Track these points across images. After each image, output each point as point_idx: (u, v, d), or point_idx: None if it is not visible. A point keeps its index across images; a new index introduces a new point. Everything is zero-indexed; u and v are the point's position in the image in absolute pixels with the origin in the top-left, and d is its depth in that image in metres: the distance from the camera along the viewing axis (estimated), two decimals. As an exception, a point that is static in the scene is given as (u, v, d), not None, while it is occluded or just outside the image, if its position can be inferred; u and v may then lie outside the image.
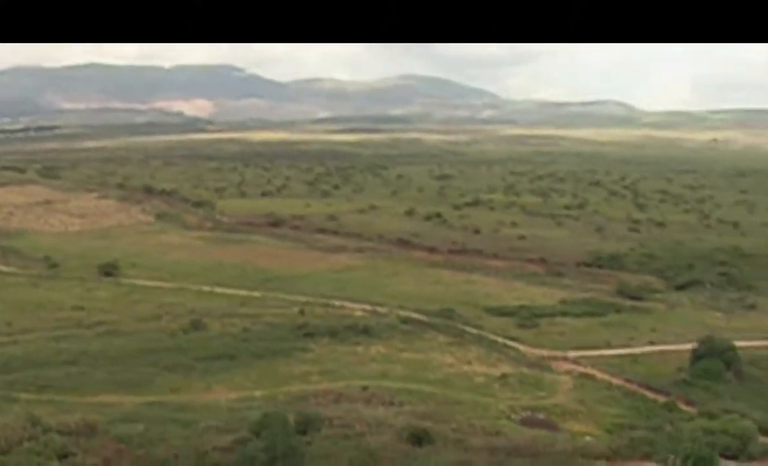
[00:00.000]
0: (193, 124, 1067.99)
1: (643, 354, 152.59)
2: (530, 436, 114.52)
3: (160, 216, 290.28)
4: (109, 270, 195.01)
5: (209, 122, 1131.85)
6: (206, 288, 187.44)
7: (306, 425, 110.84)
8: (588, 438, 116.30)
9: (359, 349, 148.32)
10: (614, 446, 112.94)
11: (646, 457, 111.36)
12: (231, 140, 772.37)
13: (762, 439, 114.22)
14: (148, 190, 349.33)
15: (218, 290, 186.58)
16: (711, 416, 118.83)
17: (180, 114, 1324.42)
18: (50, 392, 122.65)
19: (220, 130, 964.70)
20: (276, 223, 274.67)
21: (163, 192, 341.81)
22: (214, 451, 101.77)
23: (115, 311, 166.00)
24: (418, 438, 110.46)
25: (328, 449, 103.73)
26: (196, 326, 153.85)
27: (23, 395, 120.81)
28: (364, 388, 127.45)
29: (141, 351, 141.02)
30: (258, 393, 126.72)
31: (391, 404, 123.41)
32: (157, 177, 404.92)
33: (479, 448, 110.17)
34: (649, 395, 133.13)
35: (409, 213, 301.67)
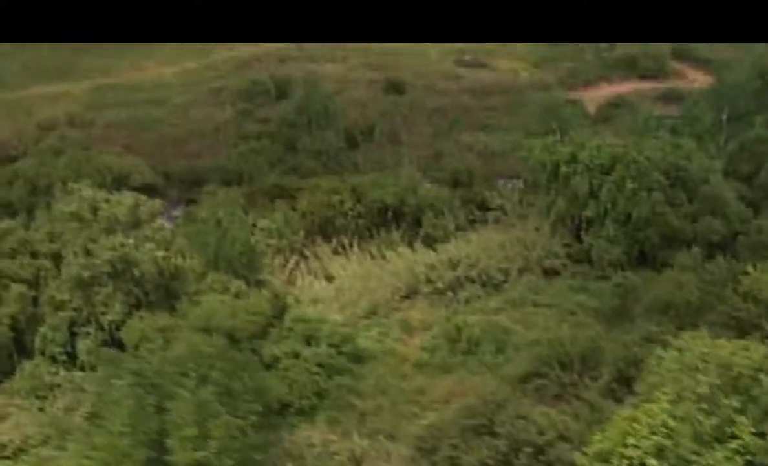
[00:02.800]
0: None
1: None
2: (481, 76, 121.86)
3: None
4: None
5: None
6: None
7: (283, 88, 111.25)
8: (524, 73, 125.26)
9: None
10: (556, 77, 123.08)
11: (587, 84, 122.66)
12: None
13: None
14: None
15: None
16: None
17: None
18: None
19: None
20: None
21: None
22: (233, 122, 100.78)
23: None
24: (395, 87, 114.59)
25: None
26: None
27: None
28: (300, 48, 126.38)
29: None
30: (192, 64, 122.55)
31: (332, 61, 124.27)
32: None
33: (453, 91, 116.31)
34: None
35: None
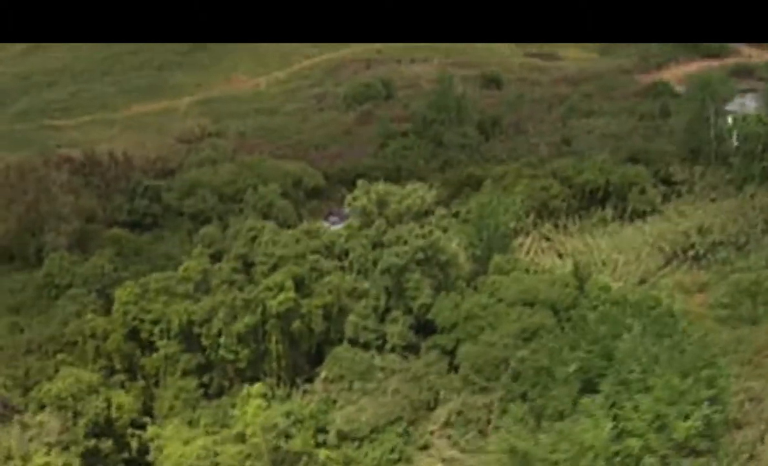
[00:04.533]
0: None
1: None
2: (563, 65, 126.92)
3: None
4: None
5: None
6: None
7: (387, 90, 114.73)
8: (599, 62, 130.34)
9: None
10: (631, 62, 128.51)
11: (660, 66, 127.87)
12: None
13: None
14: None
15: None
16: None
17: None
18: (80, 113, 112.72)
19: None
20: None
21: None
22: (359, 124, 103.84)
23: None
24: (493, 82, 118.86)
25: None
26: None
27: (58, 122, 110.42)
28: (379, 50, 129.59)
29: (103, 60, 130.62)
30: (279, 74, 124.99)
31: (414, 61, 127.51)
32: None
33: (545, 81, 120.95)
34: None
35: None
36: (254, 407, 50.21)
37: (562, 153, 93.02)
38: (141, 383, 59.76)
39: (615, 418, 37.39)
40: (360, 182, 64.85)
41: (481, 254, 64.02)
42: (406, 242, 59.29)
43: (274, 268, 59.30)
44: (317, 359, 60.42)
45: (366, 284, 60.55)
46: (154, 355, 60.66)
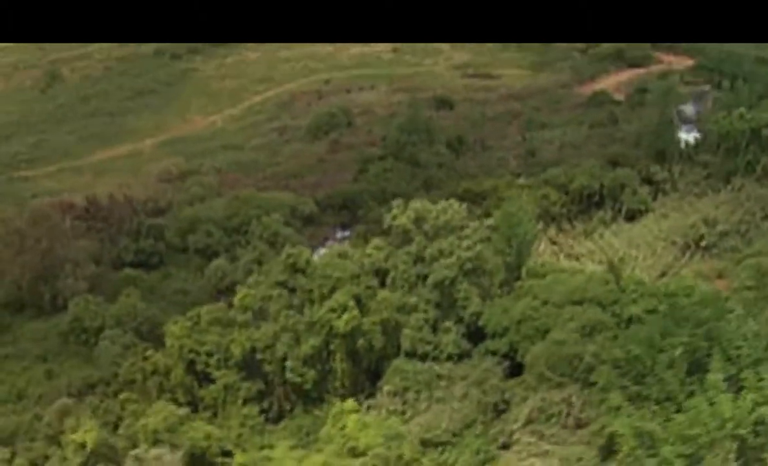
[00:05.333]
0: None
1: None
2: (507, 83, 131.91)
3: None
4: None
5: None
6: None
7: (348, 118, 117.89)
8: (539, 78, 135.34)
9: (251, 54, 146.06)
10: (567, 76, 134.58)
11: (593, 77, 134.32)
12: None
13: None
14: None
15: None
16: None
17: None
18: (45, 163, 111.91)
19: None
20: None
21: None
22: (331, 152, 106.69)
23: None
24: (445, 103, 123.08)
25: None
26: (54, 76, 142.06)
27: (26, 173, 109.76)
28: (327, 81, 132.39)
29: (55, 110, 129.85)
30: (233, 111, 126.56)
31: (362, 89, 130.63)
32: None
33: (493, 99, 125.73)
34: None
35: None
36: (353, 421, 52.49)
37: (530, 164, 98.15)
38: (205, 414, 61.18)
39: (740, 390, 41.38)
40: (395, 201, 67.43)
41: (512, 261, 67.50)
42: (452, 254, 62.34)
43: (333, 290, 61.42)
44: (375, 374, 62.87)
45: (414, 299, 63.32)
46: (212, 386, 62.12)
